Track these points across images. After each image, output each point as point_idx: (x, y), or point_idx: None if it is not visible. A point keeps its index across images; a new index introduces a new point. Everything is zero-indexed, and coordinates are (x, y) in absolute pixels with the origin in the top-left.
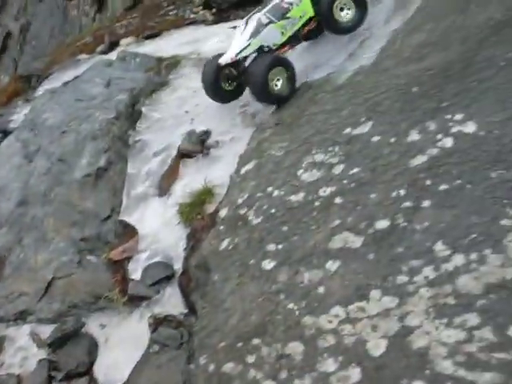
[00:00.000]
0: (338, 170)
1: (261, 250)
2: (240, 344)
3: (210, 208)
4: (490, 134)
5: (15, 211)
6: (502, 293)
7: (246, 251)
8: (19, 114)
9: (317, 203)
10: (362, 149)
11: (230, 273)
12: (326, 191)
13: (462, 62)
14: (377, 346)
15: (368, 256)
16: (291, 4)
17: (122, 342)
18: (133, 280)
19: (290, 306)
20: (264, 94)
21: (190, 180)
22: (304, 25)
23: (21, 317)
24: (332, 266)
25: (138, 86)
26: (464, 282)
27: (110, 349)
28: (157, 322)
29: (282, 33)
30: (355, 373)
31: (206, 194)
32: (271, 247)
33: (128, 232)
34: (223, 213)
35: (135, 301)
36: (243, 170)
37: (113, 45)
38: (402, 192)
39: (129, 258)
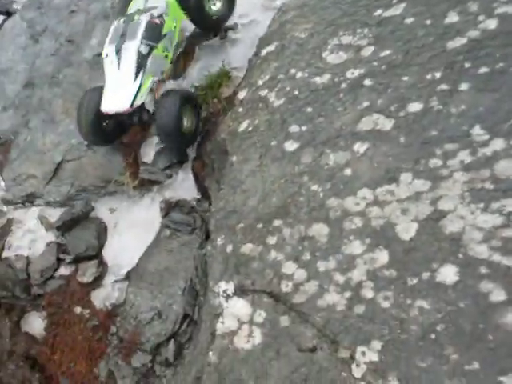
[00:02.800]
0: (367, 52)
1: (283, 131)
2: (260, 225)
3: (227, 91)
4: None
5: (21, 93)
6: None
7: (267, 132)
8: None
9: (344, 85)
10: (394, 31)
11: (250, 154)
12: (354, 73)
13: None
14: (407, 230)
15: (399, 139)
16: (161, 16)
17: (131, 226)
18: (144, 163)
19: (314, 187)
20: (177, 139)
21: (207, 63)
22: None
23: (28, 200)
24: (360, 148)
25: None
26: (503, 166)
27: (119, 233)
28: (168, 207)
29: (166, 56)
30: (383, 255)
31: (223, 76)
32: (294, 129)
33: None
34: (242, 95)
35: (146, 185)
36: (264, 52)
37: None
38: (438, 75)
39: (140, 142)
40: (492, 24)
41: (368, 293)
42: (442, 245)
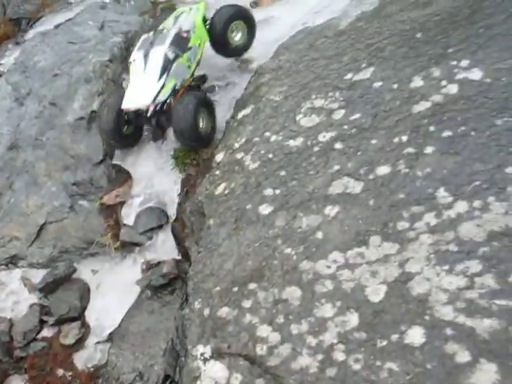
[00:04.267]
0: (338, 115)
1: (258, 194)
2: (236, 289)
3: (205, 154)
4: (497, 82)
5: (5, 155)
6: (505, 240)
7: (243, 196)
8: (9, 58)
9: (316, 148)
10: (364, 94)
11: (226, 218)
12: (325, 136)
13: (469, 7)
14: (376, 292)
15: (368, 202)
16: (188, 32)
17: (114, 287)
18: (126, 225)
19: (288, 251)
20: (193, 138)
21: None
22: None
23: (12, 261)
24: (331, 211)
25: (133, 29)
26: (466, 229)
27: (101, 294)
28: (149, 268)
29: (189, 66)
30: (353, 318)
31: None
32: (268, 192)
33: (121, 177)
34: (219, 158)
35: (128, 246)
36: (240, 115)
37: None
38: (404, 138)
39: (122, 203)
40: (453, 89)
41: (339, 355)
42: (409, 307)
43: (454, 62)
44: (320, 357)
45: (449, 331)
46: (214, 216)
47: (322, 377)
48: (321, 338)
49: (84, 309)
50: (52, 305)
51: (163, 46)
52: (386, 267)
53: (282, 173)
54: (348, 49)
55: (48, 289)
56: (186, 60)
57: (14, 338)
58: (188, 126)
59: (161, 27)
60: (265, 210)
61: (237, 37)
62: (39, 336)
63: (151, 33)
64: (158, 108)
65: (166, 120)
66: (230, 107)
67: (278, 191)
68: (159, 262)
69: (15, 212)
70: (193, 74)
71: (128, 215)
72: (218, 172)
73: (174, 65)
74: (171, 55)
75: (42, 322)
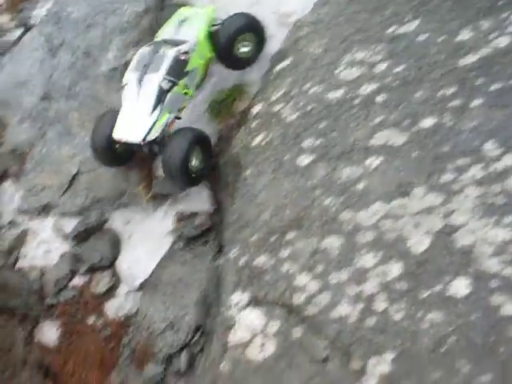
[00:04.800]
0: (380, 68)
1: (296, 145)
2: (273, 238)
3: (240, 106)
4: None
5: (38, 106)
6: None
7: (281, 147)
8: (41, 9)
9: (357, 101)
10: (407, 47)
11: (263, 168)
12: (367, 89)
13: None
14: (419, 243)
15: (411, 154)
16: (187, 53)
17: (145, 238)
18: (158, 177)
19: (327, 201)
20: (182, 179)
21: (221, 77)
22: (205, 69)
23: (44, 210)
24: (372, 162)
25: None
26: None
27: (133, 245)
28: (182, 219)
29: (186, 93)
30: (395, 268)
31: (237, 92)
32: (307, 143)
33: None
34: (256, 110)
35: (160, 198)
36: (278, 67)
37: None
38: (450, 91)
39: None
40: (503, 41)
41: (380, 305)
42: (453, 258)
43: (505, 15)
44: (360, 306)
45: (494, 283)
46: (251, 167)
47: (362, 326)
48: (361, 287)
49: (115, 258)
50: (83, 254)
51: (158, 73)
52: (430, 218)
53: (322, 124)
54: (390, 3)
55: (79, 238)
56: (182, 87)
57: (45, 286)
58: (178, 167)
59: (160, 38)
60: (303, 160)
61: (243, 49)
62: (70, 284)
63: (148, 48)
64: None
65: (159, 148)
66: (267, 61)
67: (317, 142)
68: (191, 214)
69: (47, 162)
70: (192, 97)
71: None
72: (254, 124)
73: (169, 95)
74: (166, 85)
75: (73, 271)
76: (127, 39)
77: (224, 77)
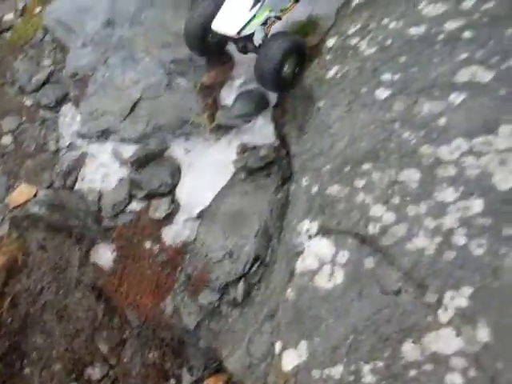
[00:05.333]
0: (467, 4)
1: (374, 79)
2: (348, 168)
3: (313, 40)
4: None
5: (101, 31)
6: None
7: (357, 79)
8: None
9: (441, 36)
10: None
11: (339, 100)
12: (452, 25)
13: None
14: (504, 180)
15: (499, 91)
16: None
17: (206, 168)
18: (223, 107)
19: (406, 134)
20: (273, 84)
21: (293, 11)
22: None
23: (103, 135)
24: (456, 98)
25: None
26: None
27: (193, 173)
28: (245, 151)
29: None
30: (477, 204)
31: (310, 24)
32: (386, 77)
33: (223, 57)
34: (331, 43)
35: (223, 128)
36: (354, 2)
37: None
38: None
39: (221, 84)
40: None
41: (460, 239)
42: None
43: None
44: (438, 239)
45: None
46: (325, 98)
47: (439, 260)
48: (440, 220)
49: (175, 186)
50: (142, 179)
51: None
52: None
53: (402, 59)
54: None
55: (139, 163)
56: None
57: (102, 208)
58: (270, 72)
59: None
60: (382, 94)
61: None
62: (128, 208)
63: None
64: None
65: (254, 48)
66: None
67: (396, 76)
68: (256, 146)
69: (110, 86)
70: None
71: (227, 97)
72: (329, 56)
73: None
74: None
75: (131, 196)
76: None
77: (297, 10)
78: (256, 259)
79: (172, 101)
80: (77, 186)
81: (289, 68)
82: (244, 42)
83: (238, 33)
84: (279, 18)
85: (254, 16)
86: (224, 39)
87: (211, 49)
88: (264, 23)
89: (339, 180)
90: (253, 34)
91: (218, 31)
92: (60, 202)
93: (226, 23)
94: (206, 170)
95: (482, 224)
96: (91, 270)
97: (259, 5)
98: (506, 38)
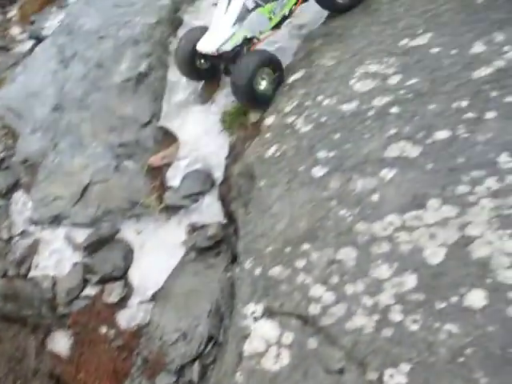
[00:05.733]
0: (393, 80)
1: (311, 156)
2: (288, 249)
3: (254, 117)
4: None
5: (50, 116)
6: None
7: (295, 158)
8: (52, 21)
9: (371, 112)
10: (420, 60)
11: (278, 179)
12: (380, 101)
13: None
14: (435, 254)
15: (426, 166)
16: None
17: (157, 248)
18: (171, 188)
19: (342, 212)
20: (246, 97)
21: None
22: (295, 3)
23: (55, 220)
24: (387, 174)
25: None
26: None
27: (145, 255)
28: (194, 230)
29: (270, 18)
30: (411, 279)
31: None
32: (322, 154)
33: (168, 139)
34: (269, 121)
35: (172, 209)
36: (291, 79)
37: None
38: (464, 103)
39: (168, 165)
40: None
41: (396, 316)
42: (470, 270)
43: None
44: (376, 317)
45: (511, 295)
46: (265, 177)
47: (378, 337)
48: (377, 298)
49: (127, 268)
50: (95, 264)
51: None
52: (445, 230)
53: (336, 136)
54: (403, 15)
55: (92, 248)
56: (268, 11)
57: (57, 295)
58: (243, 85)
59: None
60: (318, 171)
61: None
62: (82, 294)
63: None
64: (223, 56)
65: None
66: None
67: (331, 154)
68: (204, 225)
69: (59, 172)
70: (277, 27)
71: (173, 177)
72: (268, 135)
73: (251, 15)
74: (250, 5)
75: (85, 281)
76: (140, 51)
77: None
78: (209, 339)
79: (121, 184)
80: (31, 274)
81: (265, 83)
82: (225, 64)
83: (217, 50)
84: (258, 40)
85: (233, 34)
86: (214, 64)
87: (203, 74)
88: (244, 43)
89: (281, 261)
90: (233, 55)
91: (201, 51)
92: (14, 292)
93: (207, 43)
94: (157, 251)
95: (416, 299)
96: (48, 358)
97: (237, 26)
98: (429, 113)
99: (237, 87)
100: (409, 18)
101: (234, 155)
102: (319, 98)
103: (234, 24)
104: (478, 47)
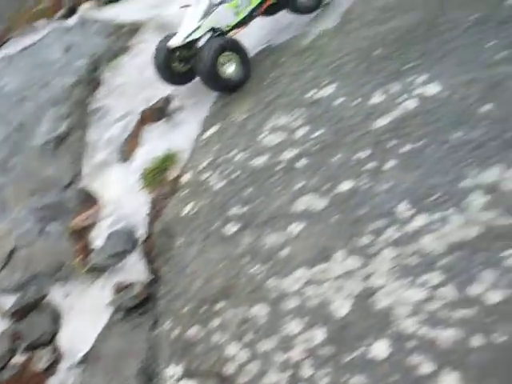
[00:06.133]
0: (301, 132)
1: (224, 213)
2: (204, 308)
3: (173, 173)
4: (453, 95)
5: None
6: (463, 251)
7: (210, 215)
8: None
9: (280, 166)
10: (326, 111)
11: (194, 237)
12: (288, 154)
13: (425, 24)
14: (341, 307)
15: (331, 218)
16: None
17: (85, 310)
18: (95, 248)
19: (254, 268)
20: (213, 81)
21: (153, 146)
22: (262, 2)
23: None
24: (295, 228)
25: (99, 51)
26: (427, 241)
27: (73, 318)
28: (120, 290)
29: (236, 13)
30: (320, 333)
31: (168, 159)
32: (234, 211)
33: (90, 199)
34: (186, 178)
35: (98, 269)
36: (206, 134)
37: (72, 10)
38: (366, 153)
39: (91, 226)
40: (412, 104)
41: (307, 371)
42: (374, 320)
43: (412, 78)
44: (288, 373)
45: (412, 343)
46: (182, 236)
47: None
48: (289, 354)
49: (56, 333)
50: (23, 330)
51: None
52: (351, 282)
53: (247, 192)
54: (310, 66)
55: (19, 314)
56: (233, 5)
57: None
58: (206, 70)
59: None
60: (231, 228)
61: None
62: (11, 362)
63: None
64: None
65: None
66: (198, 126)
67: (243, 210)
68: (130, 284)
69: None
70: (245, 22)
71: (97, 238)
72: (185, 192)
73: (218, 9)
74: (216, 0)
75: (14, 349)
76: (59, 111)
77: (156, 144)
78: None
79: (46, 247)
80: None
81: (229, 67)
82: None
83: (184, 40)
84: (223, 34)
85: (199, 27)
86: (189, 68)
87: (181, 78)
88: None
89: (197, 321)
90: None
91: (170, 46)
92: None
93: (175, 38)
94: (85, 313)
95: (325, 353)
96: None
97: (204, 19)
98: (334, 164)
99: (202, 73)
100: (316, 69)
101: (154, 213)
102: (232, 153)
103: (201, 18)
104: (377, 97)
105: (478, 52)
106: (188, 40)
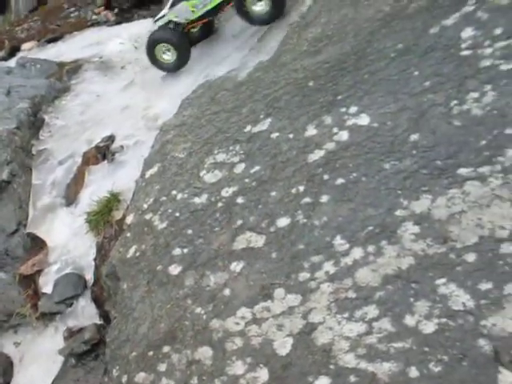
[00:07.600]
0: (239, 169)
1: (167, 255)
2: (151, 353)
3: (117, 215)
4: (383, 126)
5: None
6: (398, 283)
7: (153, 257)
8: None
9: (219, 204)
10: (262, 146)
11: (139, 280)
12: (228, 191)
13: (355, 54)
14: (283, 345)
15: (271, 255)
16: None
17: (37, 358)
18: (44, 294)
19: (198, 310)
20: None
21: (97, 187)
22: (220, 4)
23: None
24: (236, 267)
25: (40, 93)
26: (363, 274)
27: (25, 367)
28: (72, 336)
29: (193, 11)
30: (263, 373)
31: (112, 200)
32: (177, 252)
33: (37, 245)
34: (129, 219)
35: (48, 315)
36: (148, 174)
37: (13, 50)
38: (301, 188)
39: (39, 272)
40: (344, 135)
41: None
42: (315, 357)
43: (344, 109)
44: None
45: (352, 378)
46: (127, 279)
47: None
48: None
49: (9, 383)
50: None
51: None
52: (291, 319)
53: (189, 231)
54: (247, 100)
55: None
56: (190, 5)
57: None
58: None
59: None
60: (174, 270)
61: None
62: None
63: None
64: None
65: None
66: (139, 166)
67: (185, 250)
68: (81, 329)
69: None
70: (201, 19)
71: (46, 283)
72: (129, 234)
73: (179, 4)
74: None
75: None
76: (1, 158)
77: (99, 186)
78: None
79: None
80: None
81: (168, 54)
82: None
83: (154, 22)
84: (183, 26)
85: (165, 15)
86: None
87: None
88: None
89: (144, 367)
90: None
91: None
92: None
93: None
94: (38, 361)
95: None
96: None
97: (170, 10)
98: (271, 200)
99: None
100: (252, 103)
101: (101, 255)
102: (173, 192)
103: (169, 9)
104: (311, 130)
105: (404, 81)
106: (156, 24)
